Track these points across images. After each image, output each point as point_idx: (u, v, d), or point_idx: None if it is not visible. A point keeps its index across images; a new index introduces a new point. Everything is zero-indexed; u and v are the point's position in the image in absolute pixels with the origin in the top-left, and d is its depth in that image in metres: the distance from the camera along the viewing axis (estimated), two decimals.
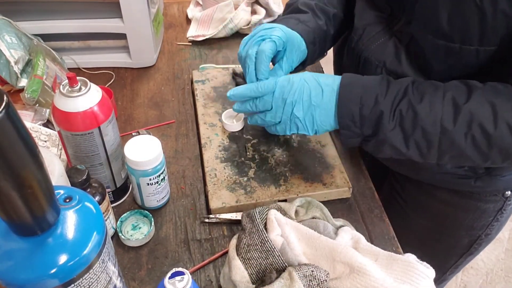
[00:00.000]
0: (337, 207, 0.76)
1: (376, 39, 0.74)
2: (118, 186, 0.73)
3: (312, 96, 0.67)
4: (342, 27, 0.85)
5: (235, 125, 0.83)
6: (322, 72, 1.03)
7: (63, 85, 0.61)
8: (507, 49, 0.60)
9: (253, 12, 1.14)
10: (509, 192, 0.81)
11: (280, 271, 0.59)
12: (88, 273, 0.42)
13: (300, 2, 0.83)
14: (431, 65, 0.67)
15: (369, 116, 0.64)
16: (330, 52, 0.92)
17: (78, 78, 0.61)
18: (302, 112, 0.67)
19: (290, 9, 0.84)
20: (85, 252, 0.40)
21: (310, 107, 0.67)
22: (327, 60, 0.96)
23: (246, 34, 1.12)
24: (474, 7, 0.57)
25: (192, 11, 1.18)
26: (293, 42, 0.75)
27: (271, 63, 0.73)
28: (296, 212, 0.68)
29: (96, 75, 0.99)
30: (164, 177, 0.70)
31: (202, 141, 0.82)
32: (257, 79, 0.72)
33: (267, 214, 0.64)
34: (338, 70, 0.97)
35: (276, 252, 0.59)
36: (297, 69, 0.80)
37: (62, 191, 0.44)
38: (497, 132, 0.59)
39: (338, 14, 0.84)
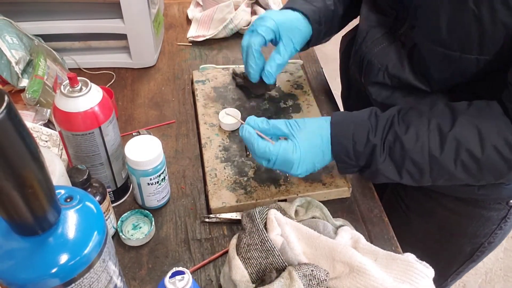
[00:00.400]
0: (337, 207, 0.76)
1: (379, 42, 0.74)
2: (118, 186, 0.73)
3: (315, 162, 0.68)
4: (351, 8, 0.85)
5: (232, 124, 0.83)
6: (322, 72, 1.04)
7: (64, 85, 0.62)
8: (507, 58, 0.59)
9: (253, 12, 1.14)
10: None
11: (280, 270, 0.59)
12: (88, 273, 0.42)
13: None
14: (432, 72, 0.67)
15: (363, 151, 0.65)
16: (329, 51, 0.92)
17: (78, 78, 0.62)
18: (304, 168, 0.69)
19: None
20: (85, 251, 0.40)
21: (313, 166, 0.69)
22: (327, 60, 0.96)
23: None
24: (472, 16, 0.57)
25: (192, 12, 1.18)
26: (290, 26, 0.76)
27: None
28: (296, 212, 0.68)
29: (96, 75, 0.99)
30: (164, 177, 0.71)
31: (202, 141, 0.82)
32: (249, 71, 0.77)
33: (267, 214, 0.64)
34: (344, 72, 0.97)
35: (276, 252, 0.59)
36: (302, 49, 0.82)
37: (63, 191, 0.44)
38: (485, 155, 0.60)
39: None
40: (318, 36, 0.81)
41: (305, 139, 0.67)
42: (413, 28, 0.67)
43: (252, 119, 0.70)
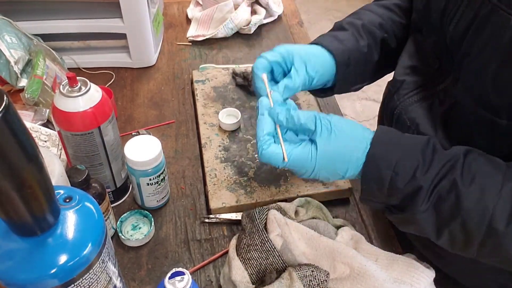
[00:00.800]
0: (337, 207, 0.76)
1: (413, 95, 0.64)
2: (118, 186, 0.73)
3: (332, 176, 0.58)
4: (392, 55, 0.73)
5: (232, 124, 0.83)
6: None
7: (63, 85, 0.61)
8: None
9: (253, 12, 1.14)
10: None
11: (280, 271, 0.59)
12: (88, 273, 0.42)
13: (346, 20, 0.74)
14: (471, 139, 0.56)
15: (402, 189, 0.52)
16: None
17: (78, 78, 0.61)
18: (317, 177, 0.59)
19: (334, 27, 0.75)
20: (85, 252, 0.40)
21: (327, 179, 0.60)
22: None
23: (246, 34, 1.12)
24: None
25: (192, 11, 1.17)
26: (306, 52, 0.65)
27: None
28: (296, 212, 0.68)
29: (96, 75, 0.99)
30: (164, 177, 0.70)
31: (202, 141, 0.82)
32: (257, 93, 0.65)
33: (267, 214, 0.64)
34: (380, 120, 0.82)
35: (276, 252, 0.59)
36: (324, 93, 0.72)
37: (62, 191, 0.44)
38: None
39: (388, 40, 0.73)
40: (346, 79, 0.69)
41: (332, 146, 0.56)
42: (456, 83, 0.58)
43: (276, 108, 0.58)
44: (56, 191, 0.41)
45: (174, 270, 0.50)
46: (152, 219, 0.70)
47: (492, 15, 0.51)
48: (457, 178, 0.50)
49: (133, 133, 0.85)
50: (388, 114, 0.69)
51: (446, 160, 0.52)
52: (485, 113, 0.53)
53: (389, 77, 0.76)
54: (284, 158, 0.56)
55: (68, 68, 0.97)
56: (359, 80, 0.74)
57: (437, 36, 0.62)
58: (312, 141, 0.57)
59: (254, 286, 0.59)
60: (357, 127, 0.58)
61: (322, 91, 0.72)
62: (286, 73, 0.66)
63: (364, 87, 0.77)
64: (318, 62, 0.66)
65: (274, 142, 0.58)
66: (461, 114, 0.56)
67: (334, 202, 0.76)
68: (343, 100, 2.36)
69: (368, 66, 0.73)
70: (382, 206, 0.57)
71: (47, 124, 0.79)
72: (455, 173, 0.51)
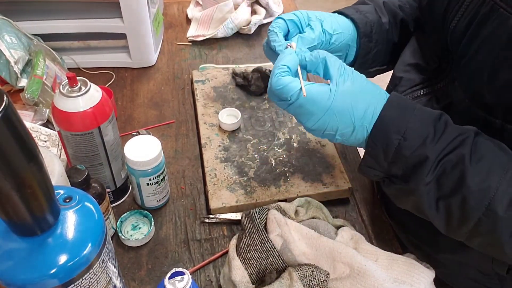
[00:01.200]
0: (337, 207, 0.76)
1: (411, 92, 0.64)
2: (118, 186, 0.73)
3: (340, 129, 0.54)
4: (407, 41, 0.71)
5: (232, 124, 0.83)
6: None
7: (63, 85, 0.61)
8: None
9: (253, 12, 1.14)
10: None
11: (280, 271, 0.59)
12: (88, 273, 0.42)
13: None
14: None
15: (408, 157, 0.51)
16: None
17: (78, 78, 0.61)
18: (324, 128, 0.55)
19: (355, 3, 0.73)
20: (85, 252, 0.40)
21: (334, 134, 0.55)
22: None
23: (246, 34, 1.12)
24: None
25: (192, 11, 1.17)
26: (322, 14, 0.63)
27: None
28: (296, 212, 0.68)
29: (96, 75, 0.99)
30: (164, 177, 0.70)
31: (202, 141, 0.82)
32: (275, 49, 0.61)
33: (267, 214, 0.64)
34: None
35: (276, 252, 0.59)
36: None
37: (62, 191, 0.44)
38: None
39: (408, 22, 0.71)
40: (366, 55, 0.67)
41: (348, 95, 0.52)
42: (454, 82, 0.58)
43: (303, 51, 0.54)
44: (56, 191, 0.41)
45: (174, 270, 0.50)
46: (152, 219, 0.70)
47: (491, 13, 0.51)
48: (465, 154, 0.49)
49: (133, 133, 0.85)
50: None
51: (457, 134, 0.51)
52: (480, 112, 0.53)
53: (387, 76, 0.75)
54: (302, 91, 0.51)
55: (68, 68, 0.97)
56: (378, 61, 0.71)
57: (438, 34, 0.61)
58: (330, 79, 0.53)
59: (254, 286, 0.59)
60: (375, 85, 0.55)
61: None
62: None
63: None
64: (336, 22, 0.64)
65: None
66: (456, 113, 0.55)
67: (334, 202, 0.76)
68: None
69: (388, 46, 0.70)
70: (382, 175, 0.55)
71: (47, 124, 0.79)
72: (464, 149, 0.50)
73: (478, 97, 0.53)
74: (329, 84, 0.53)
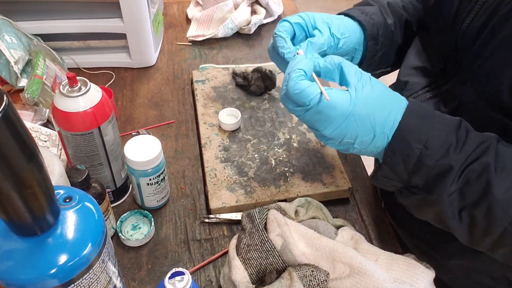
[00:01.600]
0: (337, 207, 0.76)
1: (417, 96, 0.63)
2: (118, 186, 0.73)
3: (360, 137, 0.52)
4: (410, 42, 0.70)
5: (232, 124, 0.83)
6: None
7: (63, 85, 0.61)
8: None
9: (253, 12, 1.14)
10: None
11: (280, 271, 0.59)
12: (88, 273, 0.42)
13: None
14: None
15: (431, 167, 0.49)
16: None
17: (78, 78, 0.61)
18: (343, 135, 0.52)
19: (359, 3, 0.73)
20: (85, 252, 0.40)
21: (353, 143, 0.52)
22: None
23: (246, 34, 1.12)
24: None
25: (192, 11, 1.17)
26: (330, 17, 0.62)
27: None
28: (296, 212, 0.68)
29: (96, 75, 0.99)
30: (164, 177, 0.70)
31: (202, 141, 0.82)
32: (283, 54, 0.59)
33: (267, 214, 0.64)
34: None
35: (276, 252, 0.59)
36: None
37: (62, 191, 0.44)
38: None
39: (412, 23, 0.70)
40: (373, 57, 0.66)
41: (369, 101, 0.50)
42: (465, 84, 0.56)
43: (310, 46, 0.53)
44: (56, 191, 0.41)
45: (174, 270, 0.50)
46: (152, 219, 0.70)
47: (511, 15, 0.49)
48: (490, 163, 0.47)
49: (133, 133, 0.85)
50: None
51: (479, 142, 0.49)
52: (496, 115, 0.51)
53: (389, 77, 0.75)
54: (324, 96, 0.49)
55: (68, 68, 0.97)
56: (383, 62, 0.69)
57: (445, 35, 0.60)
58: (347, 85, 0.51)
59: (254, 286, 0.59)
60: (393, 91, 0.53)
61: None
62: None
63: None
64: (343, 25, 0.63)
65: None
66: (468, 116, 0.53)
67: (334, 202, 0.76)
68: None
69: (393, 48, 0.69)
70: (399, 186, 0.53)
71: (47, 124, 0.79)
72: (488, 157, 0.48)
73: (496, 99, 0.51)
74: (347, 90, 0.51)
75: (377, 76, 0.74)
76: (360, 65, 0.68)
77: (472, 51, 0.54)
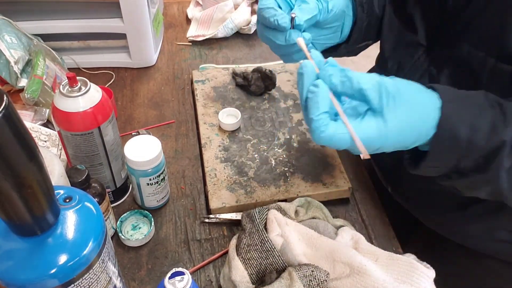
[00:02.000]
0: (337, 207, 0.76)
1: (410, 67, 0.63)
2: (118, 186, 0.73)
3: (400, 147, 0.50)
4: (376, 24, 0.69)
5: (232, 124, 0.83)
6: None
7: (63, 85, 0.61)
8: None
9: (253, 12, 1.14)
10: None
11: (280, 271, 0.59)
12: (88, 273, 0.42)
13: None
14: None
15: (483, 147, 0.47)
16: None
17: (78, 78, 0.61)
18: (392, 147, 0.50)
19: None
20: (85, 252, 0.40)
21: (401, 146, 0.50)
22: None
23: (246, 34, 1.12)
24: None
25: (192, 11, 1.17)
26: None
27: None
28: (296, 212, 0.68)
29: (96, 75, 0.99)
30: (164, 177, 0.70)
31: (202, 141, 0.82)
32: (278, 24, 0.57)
33: (267, 214, 0.64)
34: None
35: (276, 252, 0.59)
36: (335, 51, 0.68)
37: (62, 191, 0.44)
38: None
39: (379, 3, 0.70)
40: (361, 24, 0.65)
41: (403, 117, 0.47)
42: (460, 47, 0.56)
43: (328, 69, 0.47)
44: (56, 191, 0.41)
45: (174, 270, 0.50)
46: (152, 219, 0.70)
47: None
48: None
49: (133, 133, 0.85)
50: None
51: None
52: (506, 67, 0.50)
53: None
54: (353, 139, 0.46)
55: (68, 68, 0.97)
56: (369, 33, 0.68)
57: (427, 4, 0.60)
58: (374, 111, 0.47)
59: (254, 286, 0.59)
60: (420, 89, 0.50)
61: (333, 49, 0.68)
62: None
63: None
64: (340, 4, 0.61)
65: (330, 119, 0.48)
66: (470, 77, 0.53)
67: (334, 202, 0.76)
68: None
69: (374, 19, 0.68)
70: (445, 171, 0.51)
71: (47, 124, 0.79)
72: None
73: (504, 50, 0.50)
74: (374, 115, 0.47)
75: (362, 48, 0.72)
76: (350, 34, 0.67)
77: (467, 12, 0.54)
